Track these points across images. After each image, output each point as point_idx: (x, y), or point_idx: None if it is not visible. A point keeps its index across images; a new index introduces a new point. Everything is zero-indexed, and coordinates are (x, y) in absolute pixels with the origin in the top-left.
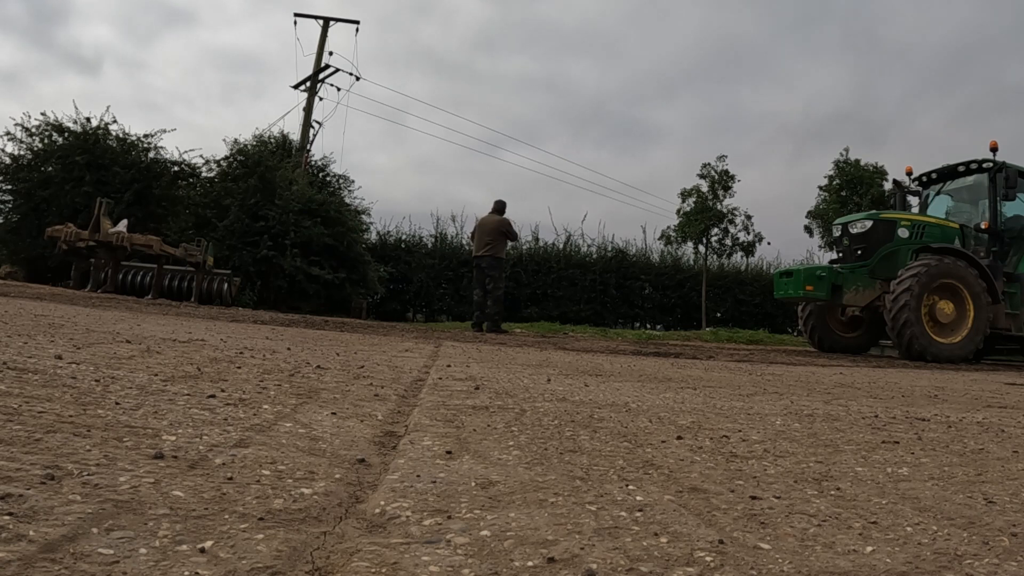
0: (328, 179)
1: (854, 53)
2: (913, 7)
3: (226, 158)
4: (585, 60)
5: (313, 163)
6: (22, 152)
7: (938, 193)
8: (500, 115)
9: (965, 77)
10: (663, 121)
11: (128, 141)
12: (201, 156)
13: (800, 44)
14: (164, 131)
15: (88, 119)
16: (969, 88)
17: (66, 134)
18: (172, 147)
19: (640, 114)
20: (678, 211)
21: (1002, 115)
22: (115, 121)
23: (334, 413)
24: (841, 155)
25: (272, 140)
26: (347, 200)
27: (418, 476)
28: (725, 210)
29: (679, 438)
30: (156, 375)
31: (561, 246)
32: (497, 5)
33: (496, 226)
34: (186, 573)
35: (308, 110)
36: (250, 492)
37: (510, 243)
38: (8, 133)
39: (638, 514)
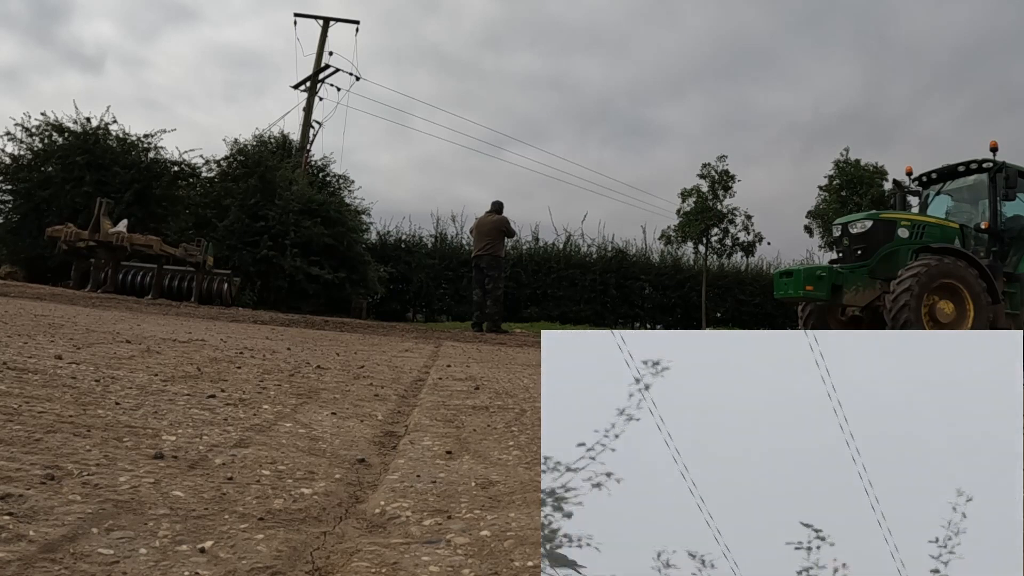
0: (328, 179)
1: (864, 52)
2: (923, 5)
3: (226, 158)
4: (591, 58)
5: (313, 163)
6: (22, 152)
7: (938, 193)
8: (505, 113)
9: (974, 76)
10: (670, 120)
11: (128, 141)
12: (201, 156)
13: (810, 42)
14: (164, 131)
15: (88, 119)
16: (978, 87)
17: (66, 134)
18: (172, 147)
19: (646, 113)
20: (678, 211)
21: (1011, 115)
22: (115, 121)
23: (334, 413)
24: (841, 155)
25: (272, 140)
26: (347, 200)
27: (418, 476)
28: (725, 210)
29: None
30: (156, 375)
31: (561, 246)
32: (503, 2)
33: (494, 225)
34: (186, 573)
35: (308, 110)
36: (250, 492)
37: (509, 242)
38: (8, 133)
39: None
